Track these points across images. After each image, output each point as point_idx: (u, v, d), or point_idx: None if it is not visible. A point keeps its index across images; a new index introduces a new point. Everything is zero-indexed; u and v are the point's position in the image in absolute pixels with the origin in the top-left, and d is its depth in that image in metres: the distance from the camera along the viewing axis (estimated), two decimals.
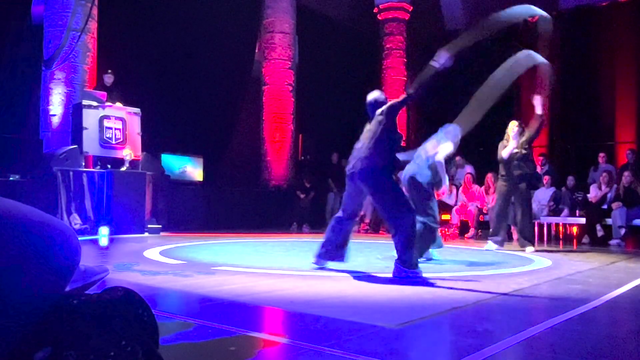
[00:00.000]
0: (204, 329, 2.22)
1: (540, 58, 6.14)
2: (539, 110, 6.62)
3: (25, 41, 8.61)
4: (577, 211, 8.85)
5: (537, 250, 6.48)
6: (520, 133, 6.63)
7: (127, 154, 7.95)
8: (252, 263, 4.56)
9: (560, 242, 8.53)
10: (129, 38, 9.45)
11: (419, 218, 4.55)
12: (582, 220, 8.64)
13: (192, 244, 6.29)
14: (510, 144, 6.61)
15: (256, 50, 12.06)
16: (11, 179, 7.10)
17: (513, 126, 6.66)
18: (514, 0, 5.73)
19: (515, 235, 7.43)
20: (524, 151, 6.56)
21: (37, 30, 8.43)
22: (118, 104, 8.20)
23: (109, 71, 8.56)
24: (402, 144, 4.84)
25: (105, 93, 8.11)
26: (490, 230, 6.92)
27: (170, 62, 10.13)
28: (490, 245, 6.62)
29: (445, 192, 5.57)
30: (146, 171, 8.11)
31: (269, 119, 11.48)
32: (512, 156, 6.59)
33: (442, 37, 14.40)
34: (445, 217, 9.09)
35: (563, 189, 9.42)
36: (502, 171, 6.72)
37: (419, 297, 3.15)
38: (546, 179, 9.36)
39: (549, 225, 8.97)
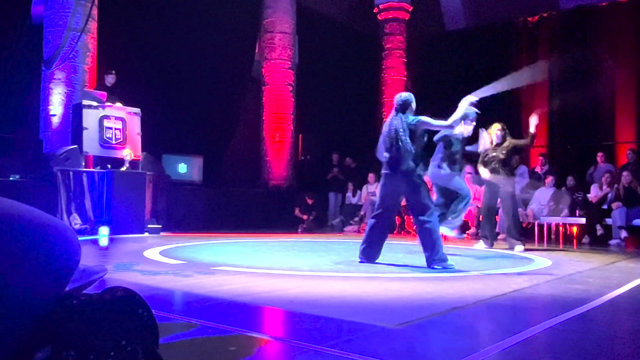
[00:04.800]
0: (204, 329, 2.22)
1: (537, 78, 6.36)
2: (532, 129, 6.68)
3: (25, 41, 8.61)
4: (577, 211, 8.85)
5: (534, 250, 6.51)
6: (503, 137, 6.68)
7: (127, 154, 7.95)
8: (252, 263, 4.56)
9: (560, 242, 8.52)
10: (129, 38, 9.45)
11: None
12: (582, 220, 8.64)
13: (192, 244, 6.29)
14: (485, 140, 6.66)
15: (256, 50, 12.06)
16: (11, 179, 7.10)
17: (496, 129, 6.70)
18: (512, 1, 5.79)
19: (501, 235, 7.58)
20: (501, 156, 6.60)
21: (37, 30, 8.43)
22: (118, 104, 8.20)
23: (113, 72, 8.53)
24: None
25: (105, 93, 8.10)
26: (480, 230, 7.06)
27: (170, 62, 10.13)
28: (480, 244, 6.74)
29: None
30: (146, 171, 8.11)
31: (269, 119, 11.48)
32: (489, 159, 6.65)
33: (442, 37, 14.48)
34: None
35: (563, 189, 9.41)
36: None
37: (419, 297, 3.15)
38: (549, 178, 9.34)
39: (549, 225, 8.97)
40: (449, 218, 6.06)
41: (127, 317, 1.39)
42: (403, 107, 4.67)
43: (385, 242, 4.84)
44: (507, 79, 6.28)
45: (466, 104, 4.93)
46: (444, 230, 6.15)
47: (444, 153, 5.87)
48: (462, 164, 6.10)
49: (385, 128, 4.73)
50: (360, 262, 4.71)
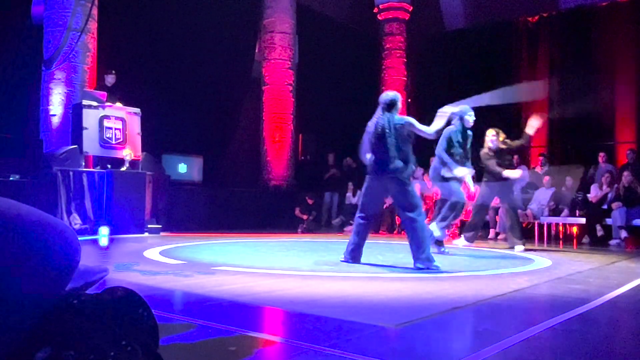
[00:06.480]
0: (204, 329, 2.22)
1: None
2: (530, 131, 6.64)
3: (25, 41, 8.60)
4: (577, 211, 8.85)
5: (534, 250, 6.51)
6: (500, 140, 6.67)
7: (127, 154, 7.94)
8: (252, 263, 4.56)
9: (560, 242, 8.52)
10: (129, 38, 9.44)
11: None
12: (582, 220, 8.64)
13: (192, 244, 6.29)
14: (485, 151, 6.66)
15: (256, 50, 12.06)
16: (11, 179, 7.09)
17: (490, 135, 6.68)
18: (512, 1, 5.78)
19: (501, 235, 7.59)
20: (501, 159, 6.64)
21: (37, 30, 8.43)
22: (118, 104, 8.20)
23: (113, 72, 8.53)
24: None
25: (105, 93, 8.10)
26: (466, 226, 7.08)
27: (170, 62, 10.13)
28: (461, 240, 6.76)
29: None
30: (146, 171, 8.11)
31: (269, 119, 11.47)
32: (487, 158, 6.67)
33: (442, 37, 14.50)
34: None
35: (563, 189, 9.41)
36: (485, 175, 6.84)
37: (419, 297, 3.15)
38: (546, 179, 9.36)
39: (549, 225, 8.97)
40: (436, 221, 6.02)
41: (127, 317, 1.39)
42: (389, 107, 4.60)
43: (384, 242, 4.84)
44: (499, 92, 6.24)
45: (445, 114, 4.87)
46: (432, 227, 6.14)
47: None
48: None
49: (370, 127, 4.66)
50: (343, 261, 4.68)
